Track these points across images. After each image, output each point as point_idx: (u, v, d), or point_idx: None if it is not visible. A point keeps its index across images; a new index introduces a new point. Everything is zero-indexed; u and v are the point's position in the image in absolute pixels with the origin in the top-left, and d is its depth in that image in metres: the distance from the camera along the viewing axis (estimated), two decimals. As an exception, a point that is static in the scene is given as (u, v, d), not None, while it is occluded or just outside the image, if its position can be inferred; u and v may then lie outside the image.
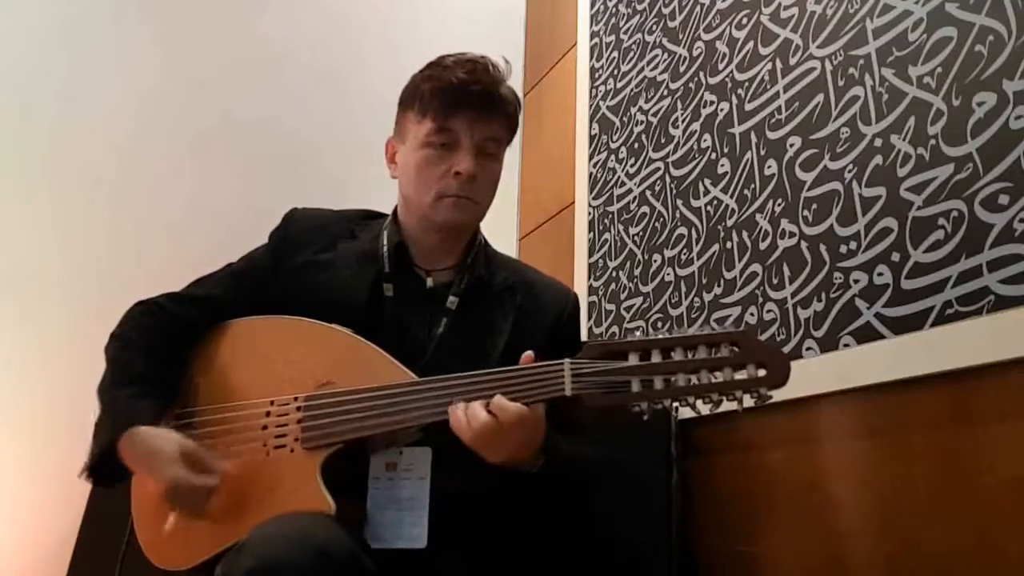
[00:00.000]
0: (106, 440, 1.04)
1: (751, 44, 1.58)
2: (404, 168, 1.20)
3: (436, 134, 1.15)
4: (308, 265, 1.19)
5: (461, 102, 1.14)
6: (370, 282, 1.16)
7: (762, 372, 0.94)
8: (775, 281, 1.41)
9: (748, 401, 0.94)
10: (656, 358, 0.95)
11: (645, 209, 1.84)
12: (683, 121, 1.76)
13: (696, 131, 1.71)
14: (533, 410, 0.96)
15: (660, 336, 0.96)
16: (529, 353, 0.99)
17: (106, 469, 1.06)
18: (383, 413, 1.01)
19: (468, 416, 0.96)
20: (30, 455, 1.82)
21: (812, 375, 1.26)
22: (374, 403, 1.02)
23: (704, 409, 0.96)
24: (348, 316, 1.11)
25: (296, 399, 1.06)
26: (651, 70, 1.92)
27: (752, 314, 1.45)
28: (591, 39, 2.23)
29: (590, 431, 1.17)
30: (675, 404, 0.97)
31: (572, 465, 1.11)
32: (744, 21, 1.62)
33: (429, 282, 1.20)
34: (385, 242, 1.20)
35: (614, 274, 1.91)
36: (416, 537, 1.03)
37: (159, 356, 1.13)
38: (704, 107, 1.70)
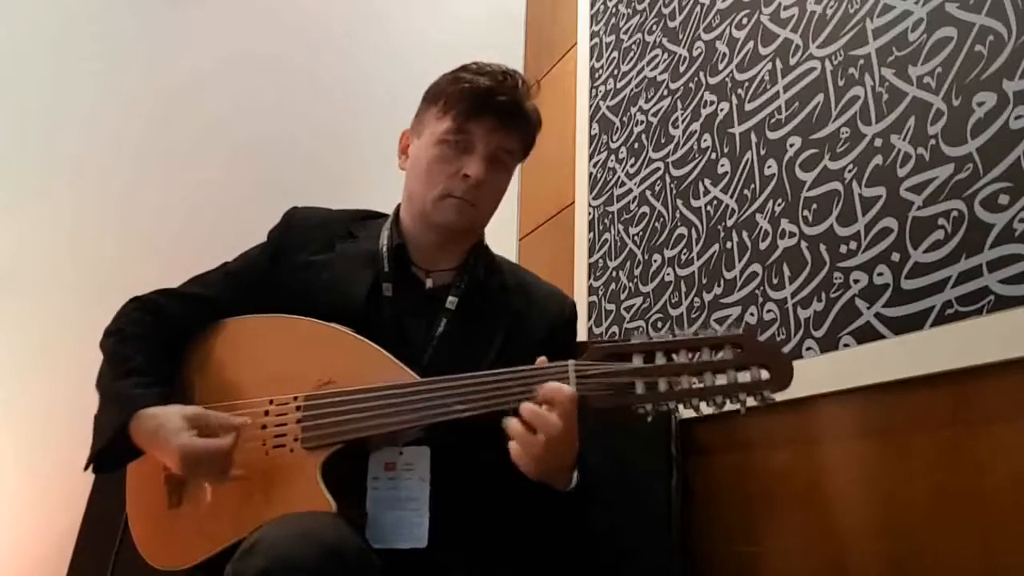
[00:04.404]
0: (116, 426, 1.04)
1: (751, 44, 1.58)
2: (415, 161, 1.21)
3: (454, 133, 1.16)
4: (307, 265, 1.19)
5: (484, 108, 1.15)
6: (369, 282, 1.16)
7: (765, 374, 0.94)
8: (775, 281, 1.41)
9: (751, 403, 0.95)
10: (660, 360, 0.96)
11: (645, 209, 1.84)
12: (683, 121, 1.76)
13: (696, 131, 1.71)
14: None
15: (664, 338, 0.97)
16: (543, 358, 1.00)
17: (113, 456, 1.07)
18: (384, 413, 1.01)
19: (538, 423, 0.94)
20: (30, 455, 1.82)
21: (812, 375, 1.25)
22: (375, 403, 1.02)
23: (707, 410, 0.96)
24: (347, 316, 1.11)
25: (296, 399, 1.06)
26: (651, 70, 1.92)
27: (752, 314, 1.45)
28: (591, 39, 2.23)
29: (587, 430, 1.17)
30: (678, 405, 0.97)
31: (597, 480, 1.12)
32: (744, 21, 1.61)
33: (429, 283, 1.20)
34: (385, 242, 1.20)
35: (614, 274, 1.91)
36: (417, 537, 1.03)
37: (156, 351, 1.13)
38: (704, 107, 1.70)
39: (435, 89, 1.21)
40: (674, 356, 0.96)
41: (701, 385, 0.94)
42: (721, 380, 0.94)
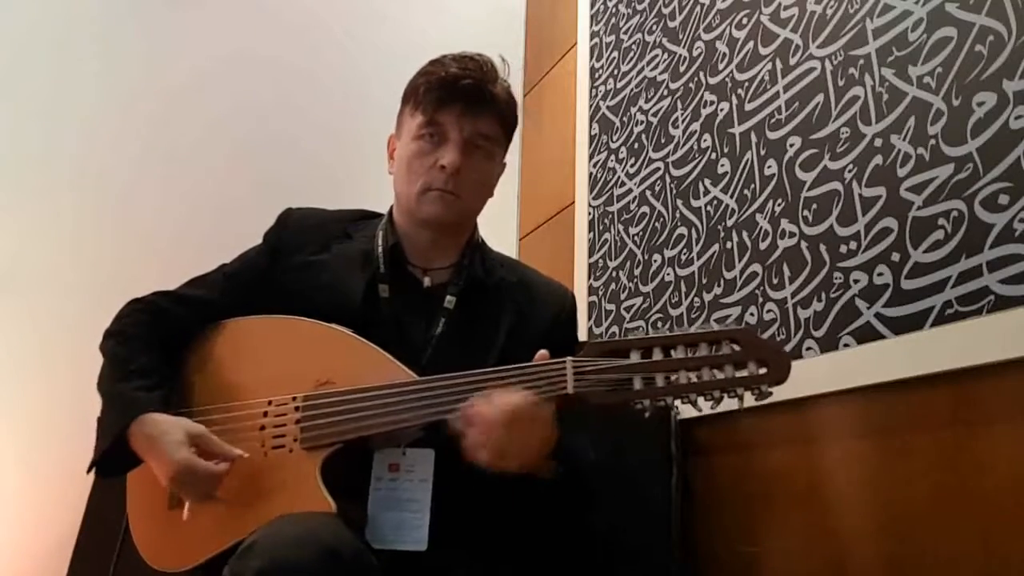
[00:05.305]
0: (116, 430, 1.04)
1: (751, 44, 1.58)
2: (398, 162, 1.21)
3: (427, 126, 1.16)
4: (303, 266, 1.19)
5: (451, 95, 1.15)
6: (365, 283, 1.16)
7: (763, 369, 0.94)
8: (775, 281, 1.41)
9: (749, 398, 0.94)
10: (658, 356, 0.96)
11: (645, 209, 1.84)
12: (683, 121, 1.76)
13: (696, 131, 1.71)
14: (545, 407, 0.96)
15: (661, 334, 0.96)
16: (544, 351, 0.99)
17: (115, 461, 1.07)
18: (383, 413, 1.01)
19: (498, 405, 0.95)
20: (30, 455, 1.82)
21: (812, 375, 1.25)
22: (374, 403, 1.02)
23: (706, 406, 0.96)
24: (344, 317, 1.11)
25: (294, 399, 1.06)
26: (651, 70, 1.92)
27: (752, 314, 1.45)
28: (591, 39, 2.23)
29: (588, 430, 1.17)
30: (676, 402, 0.97)
31: (584, 470, 1.11)
32: (744, 21, 1.61)
33: (426, 282, 1.20)
34: (380, 243, 1.20)
35: (614, 274, 1.91)
36: (417, 539, 1.02)
37: (157, 352, 1.13)
38: (704, 107, 1.70)
39: (408, 88, 1.22)
40: (672, 352, 0.96)
41: (698, 380, 0.94)
42: (719, 375, 0.94)
